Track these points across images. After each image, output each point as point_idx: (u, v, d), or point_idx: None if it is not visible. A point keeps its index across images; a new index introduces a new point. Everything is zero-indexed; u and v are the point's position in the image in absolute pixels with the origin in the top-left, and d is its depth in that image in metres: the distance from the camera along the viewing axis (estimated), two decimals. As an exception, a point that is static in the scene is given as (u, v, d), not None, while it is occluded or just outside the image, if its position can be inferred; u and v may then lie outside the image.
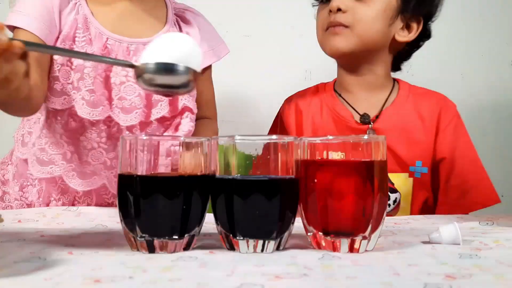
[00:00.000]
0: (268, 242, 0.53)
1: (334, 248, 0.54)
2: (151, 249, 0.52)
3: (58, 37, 0.88)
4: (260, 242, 0.53)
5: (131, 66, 0.58)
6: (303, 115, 1.09)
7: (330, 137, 0.55)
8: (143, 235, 0.52)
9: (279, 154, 0.54)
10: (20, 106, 0.79)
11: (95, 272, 0.44)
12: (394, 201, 1.00)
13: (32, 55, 0.66)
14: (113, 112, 0.88)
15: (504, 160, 1.56)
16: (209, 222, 0.58)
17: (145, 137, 0.53)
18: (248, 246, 0.53)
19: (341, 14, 0.98)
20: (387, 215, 0.94)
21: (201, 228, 0.56)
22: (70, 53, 0.55)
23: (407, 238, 0.63)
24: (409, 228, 0.72)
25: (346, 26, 0.98)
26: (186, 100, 0.93)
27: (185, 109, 0.94)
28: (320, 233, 0.54)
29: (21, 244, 0.57)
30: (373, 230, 0.54)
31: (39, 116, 0.91)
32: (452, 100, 1.08)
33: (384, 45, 1.02)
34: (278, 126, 1.13)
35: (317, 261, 0.49)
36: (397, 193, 1.00)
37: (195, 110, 0.96)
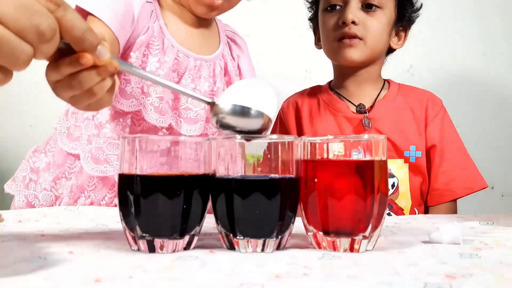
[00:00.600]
0: (268, 241, 0.53)
1: (334, 248, 0.54)
2: (151, 248, 0.52)
3: (129, 39, 0.88)
4: (260, 241, 0.53)
5: (211, 103, 0.58)
6: (302, 111, 1.16)
7: (330, 137, 0.55)
8: (144, 234, 0.52)
9: (279, 153, 0.54)
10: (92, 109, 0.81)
11: (95, 271, 0.44)
12: (392, 185, 1.07)
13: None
14: (174, 120, 0.92)
15: (504, 160, 1.56)
16: (210, 222, 0.58)
17: (145, 137, 0.53)
18: (248, 246, 0.53)
19: (355, 27, 1.04)
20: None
21: (201, 227, 0.56)
22: (158, 82, 0.53)
23: (407, 237, 0.63)
24: (409, 228, 0.72)
25: (361, 39, 1.05)
26: None
27: None
28: (320, 233, 0.54)
29: (21, 244, 0.57)
30: (373, 229, 0.54)
31: (94, 114, 0.94)
32: (452, 101, 1.12)
33: (383, 53, 1.12)
34: (278, 125, 1.19)
35: (317, 260, 0.49)
36: (394, 178, 1.07)
37: None
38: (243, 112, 0.55)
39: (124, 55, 0.90)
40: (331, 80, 1.19)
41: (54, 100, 0.93)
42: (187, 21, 0.98)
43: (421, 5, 1.13)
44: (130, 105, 0.90)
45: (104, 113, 0.92)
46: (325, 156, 0.55)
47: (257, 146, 0.54)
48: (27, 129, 1.52)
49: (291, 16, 1.51)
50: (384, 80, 1.17)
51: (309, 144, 0.55)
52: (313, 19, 1.19)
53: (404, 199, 1.08)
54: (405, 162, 1.07)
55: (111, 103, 0.57)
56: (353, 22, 1.03)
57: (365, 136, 0.55)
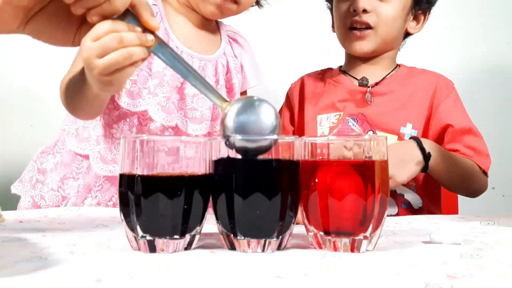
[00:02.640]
0: (269, 242, 0.53)
1: (335, 248, 0.54)
2: (152, 248, 0.52)
3: None
4: (261, 242, 0.53)
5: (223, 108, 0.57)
6: (306, 88, 1.15)
7: (331, 137, 0.55)
8: (144, 234, 0.52)
9: (280, 153, 0.54)
10: (92, 114, 0.86)
11: (96, 271, 0.44)
12: None
13: None
14: (180, 120, 0.93)
15: (505, 161, 1.56)
16: (210, 222, 0.58)
17: (145, 137, 0.54)
18: (249, 246, 0.53)
19: (367, 15, 1.01)
20: None
21: (202, 227, 0.56)
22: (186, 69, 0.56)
23: (408, 238, 0.63)
24: (410, 228, 0.72)
25: (372, 27, 1.02)
26: None
27: None
28: (321, 233, 0.54)
29: (22, 244, 0.57)
30: (374, 230, 0.54)
31: (101, 114, 0.94)
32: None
33: (399, 38, 1.09)
34: (285, 105, 1.19)
35: (318, 261, 0.49)
36: None
37: None
38: (253, 143, 0.54)
39: None
40: (340, 66, 1.17)
41: (55, 100, 0.94)
42: (192, 22, 0.98)
43: None
44: (137, 105, 0.91)
45: (112, 114, 0.93)
46: (325, 156, 0.55)
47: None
48: (27, 129, 1.52)
49: (291, 16, 1.51)
50: (397, 64, 1.13)
51: (309, 144, 0.55)
52: (330, 0, 1.15)
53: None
54: (398, 139, 1.04)
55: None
56: (364, 10, 1.00)
57: (366, 136, 0.55)
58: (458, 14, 1.52)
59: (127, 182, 0.53)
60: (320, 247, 0.55)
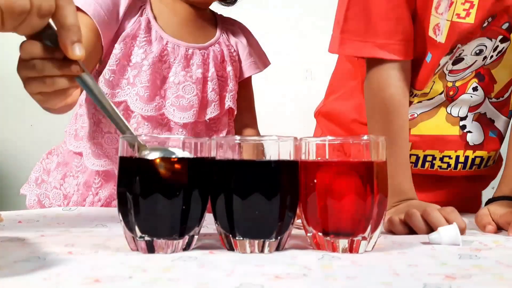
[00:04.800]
0: (268, 242, 0.53)
1: (334, 249, 0.54)
2: (150, 249, 0.52)
3: (116, 35, 0.92)
4: (260, 242, 0.53)
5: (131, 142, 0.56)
6: None
7: (330, 138, 0.55)
8: (143, 235, 0.52)
9: (280, 154, 0.54)
10: (63, 110, 0.84)
11: (95, 271, 0.44)
12: (500, 52, 0.87)
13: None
14: (167, 109, 0.93)
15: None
16: (209, 223, 0.58)
17: (144, 137, 0.54)
18: (247, 247, 0.53)
19: None
20: (483, 69, 0.85)
21: (200, 228, 0.56)
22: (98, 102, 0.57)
23: (406, 238, 0.64)
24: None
25: None
26: (230, 101, 1.00)
27: (229, 110, 1.01)
28: (320, 234, 0.54)
29: (21, 244, 0.57)
30: (373, 230, 0.54)
31: (93, 112, 0.95)
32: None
33: None
34: None
35: (317, 261, 0.49)
36: (507, 42, 0.87)
37: (235, 110, 1.03)
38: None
39: (110, 48, 0.92)
40: None
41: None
42: (180, 13, 0.99)
43: None
44: (116, 96, 0.92)
45: (137, 53, 0.93)
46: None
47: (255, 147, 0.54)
48: (27, 129, 1.52)
49: (291, 15, 1.51)
50: None
51: (308, 144, 0.55)
52: None
53: (504, 70, 0.89)
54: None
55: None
56: None
57: (365, 137, 0.55)
58: None
59: (125, 182, 0.53)
60: (319, 248, 0.55)
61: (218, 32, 1.03)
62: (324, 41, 1.19)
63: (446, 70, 0.87)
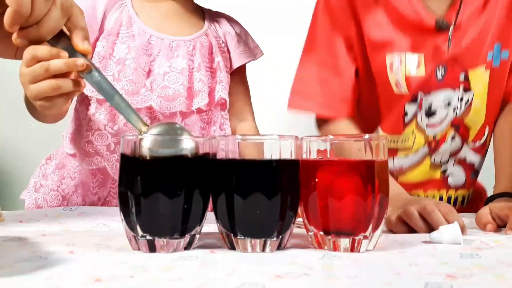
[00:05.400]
0: (269, 241, 0.53)
1: (335, 248, 0.54)
2: (152, 248, 0.52)
3: (99, 36, 0.93)
4: (261, 241, 0.53)
5: (140, 131, 0.60)
6: (358, 9, 0.92)
7: (331, 137, 0.55)
8: (144, 234, 0.52)
9: (281, 154, 0.54)
10: (55, 119, 0.88)
11: (96, 271, 0.44)
12: (466, 102, 0.92)
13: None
14: (154, 101, 0.92)
15: None
16: (210, 222, 0.58)
17: (144, 136, 0.54)
18: (248, 246, 0.53)
19: None
20: (456, 119, 0.91)
21: (202, 227, 0.56)
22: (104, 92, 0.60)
23: (408, 237, 0.64)
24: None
25: None
26: (222, 92, 0.98)
27: (220, 100, 0.99)
28: (321, 233, 0.54)
29: (22, 243, 0.57)
30: (374, 229, 0.54)
31: (82, 109, 0.96)
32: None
33: None
34: (329, 23, 0.95)
35: (318, 260, 0.49)
36: (470, 92, 0.91)
37: (228, 101, 1.02)
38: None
39: (93, 48, 0.92)
40: None
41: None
42: (162, 8, 0.99)
43: None
44: None
45: (91, 107, 0.93)
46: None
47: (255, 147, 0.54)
48: (27, 130, 1.52)
49: (291, 15, 1.51)
50: None
51: (309, 143, 0.55)
52: None
53: (475, 117, 0.93)
54: (486, 68, 0.89)
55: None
56: None
57: (366, 136, 0.55)
58: None
59: (127, 182, 0.53)
60: (320, 247, 0.55)
61: (206, 24, 1.02)
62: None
63: (422, 122, 0.92)
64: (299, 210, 0.56)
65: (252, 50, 1.07)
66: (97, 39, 0.93)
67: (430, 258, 0.51)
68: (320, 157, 0.55)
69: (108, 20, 0.95)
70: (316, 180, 0.54)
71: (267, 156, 0.54)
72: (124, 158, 0.54)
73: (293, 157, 0.55)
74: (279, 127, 1.46)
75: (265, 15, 1.54)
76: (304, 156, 0.56)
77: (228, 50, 1.04)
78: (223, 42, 1.03)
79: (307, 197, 0.55)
